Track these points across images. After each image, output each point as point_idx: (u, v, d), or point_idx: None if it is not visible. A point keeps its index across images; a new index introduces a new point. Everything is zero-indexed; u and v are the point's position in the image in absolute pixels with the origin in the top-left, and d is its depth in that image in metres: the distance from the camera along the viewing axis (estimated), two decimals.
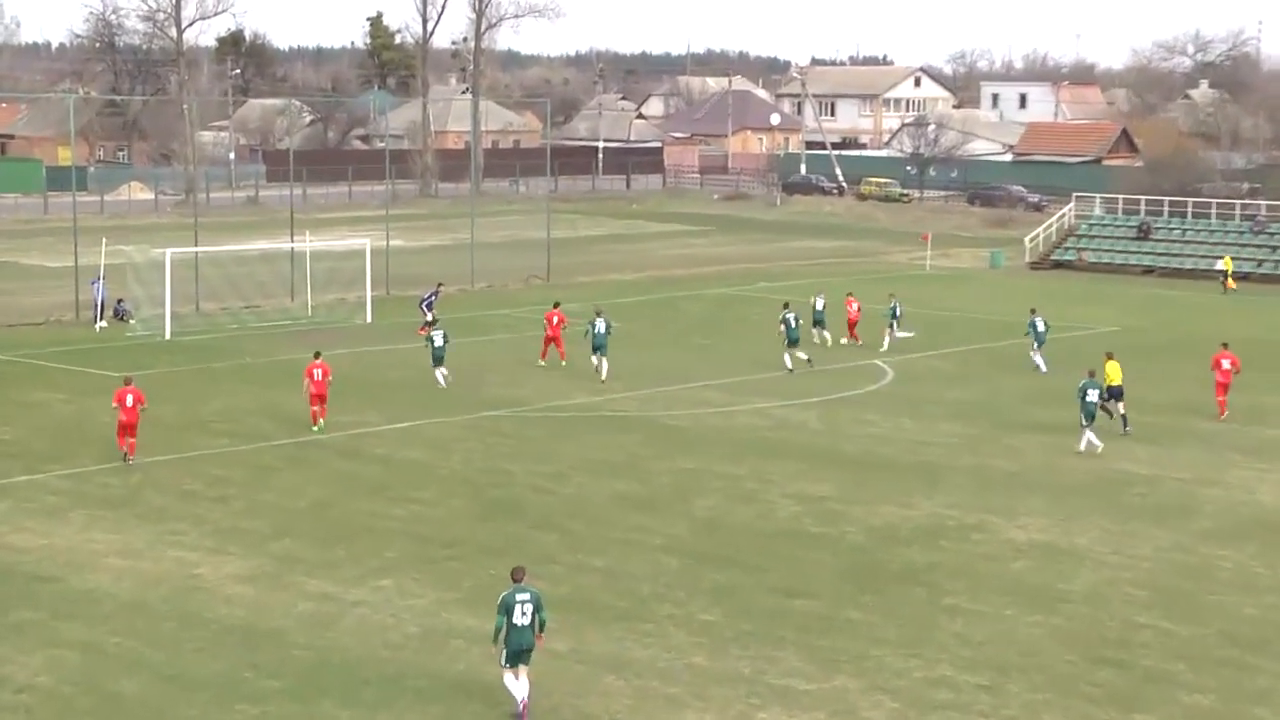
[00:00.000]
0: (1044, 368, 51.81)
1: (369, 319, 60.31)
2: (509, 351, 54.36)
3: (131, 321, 58.98)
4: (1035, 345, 52.42)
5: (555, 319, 51.48)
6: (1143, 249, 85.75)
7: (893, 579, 29.60)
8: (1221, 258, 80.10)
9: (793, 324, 51.08)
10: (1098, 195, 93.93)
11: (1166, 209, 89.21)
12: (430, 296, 58.97)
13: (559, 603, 27.65)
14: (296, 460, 38.29)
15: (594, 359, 49.17)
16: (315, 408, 41.41)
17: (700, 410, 45.24)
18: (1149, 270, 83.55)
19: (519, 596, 22.93)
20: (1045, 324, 52.79)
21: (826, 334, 56.64)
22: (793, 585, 29.02)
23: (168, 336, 55.90)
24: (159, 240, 70.24)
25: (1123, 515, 34.31)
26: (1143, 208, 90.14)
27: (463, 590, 27.97)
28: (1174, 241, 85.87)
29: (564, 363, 51.06)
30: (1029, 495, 35.87)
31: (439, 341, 47.67)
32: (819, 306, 57.04)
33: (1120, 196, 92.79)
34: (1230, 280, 77.37)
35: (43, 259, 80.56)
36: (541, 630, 23.14)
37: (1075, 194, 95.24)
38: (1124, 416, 42.67)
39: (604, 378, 48.61)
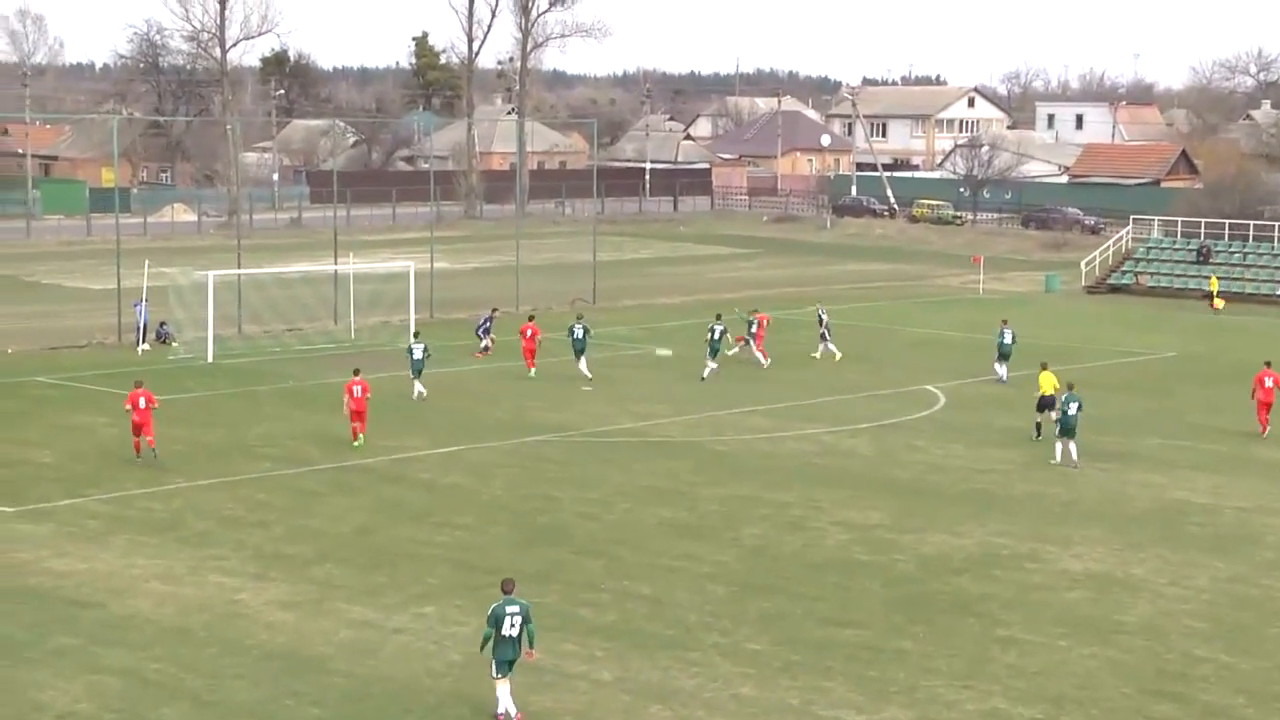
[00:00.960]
0: (1004, 378, 53.32)
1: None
2: (553, 376, 53.98)
3: (174, 344, 58.86)
4: (998, 357, 54.00)
5: (530, 331, 53.77)
6: (1203, 273, 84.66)
7: (944, 609, 29.10)
8: (1209, 278, 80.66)
9: (717, 335, 53.75)
10: (1156, 218, 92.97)
11: (1227, 232, 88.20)
12: (486, 322, 58.74)
13: (604, 630, 27.38)
14: (339, 485, 38.03)
15: (580, 364, 52.82)
16: (355, 424, 42.06)
17: (748, 436, 44.77)
18: (1209, 295, 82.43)
19: (509, 609, 23.11)
20: (1013, 337, 54.34)
21: (833, 348, 58.20)
22: (842, 615, 28.58)
23: (210, 359, 55.80)
24: (202, 262, 70.21)
25: (1181, 545, 33.69)
26: (1203, 231, 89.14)
27: None
28: (1235, 265, 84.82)
29: (532, 373, 53.08)
30: (1085, 524, 35.25)
31: (418, 355, 48.93)
32: (824, 320, 59.05)
33: (1179, 219, 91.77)
34: (1217, 300, 77.71)
35: (86, 281, 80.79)
36: (531, 644, 23.33)
37: (1133, 216, 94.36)
38: (1038, 425, 44.38)
39: (589, 376, 52.32)
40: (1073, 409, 41.14)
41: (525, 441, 43.33)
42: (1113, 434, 45.57)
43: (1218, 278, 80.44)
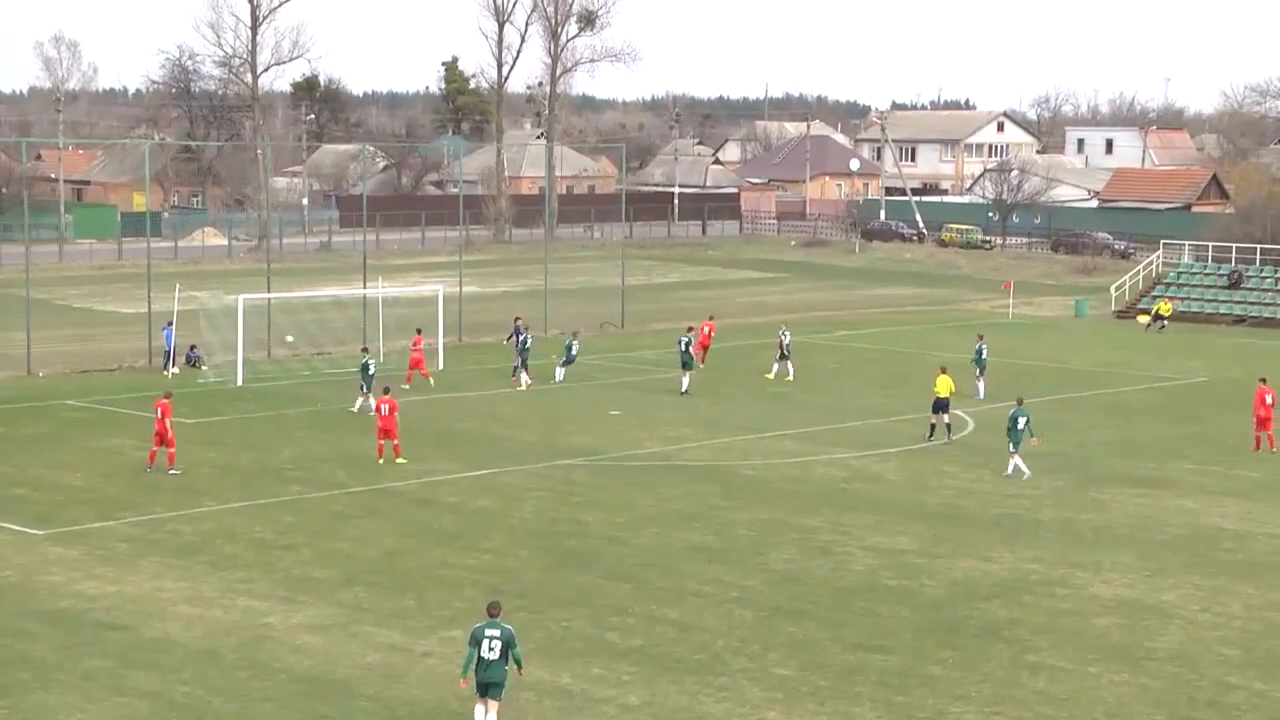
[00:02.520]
0: (980, 394, 54.62)
1: (441, 366, 60.10)
2: (582, 400, 54.07)
3: (204, 368, 59.03)
4: (977, 372, 55.35)
5: (420, 343, 56.79)
6: (1233, 298, 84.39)
7: (973, 634, 28.97)
8: (1160, 299, 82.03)
9: (684, 347, 56.30)
10: (1186, 243, 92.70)
11: (1258, 257, 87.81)
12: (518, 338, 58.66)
13: (632, 654, 27.31)
14: (368, 508, 38.07)
15: (519, 373, 56.20)
16: (382, 441, 43.06)
17: (776, 460, 44.71)
18: (1240, 320, 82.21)
19: (488, 631, 23.26)
20: (986, 351, 56.13)
21: (790, 364, 59.32)
22: (870, 640, 28.47)
23: (240, 383, 55.94)
24: (232, 286, 70.57)
25: (1212, 571, 33.49)
26: (1234, 256, 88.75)
27: (534, 641, 27.48)
28: (1266, 291, 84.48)
29: (432, 381, 55.62)
30: (1115, 550, 35.07)
31: (372, 370, 50.54)
32: (786, 339, 59.98)
33: (1210, 244, 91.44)
34: (1142, 317, 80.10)
35: (117, 305, 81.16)
36: (519, 666, 23.55)
37: (1163, 241, 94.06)
38: (948, 426, 47.19)
39: (526, 385, 55.65)
40: (1020, 423, 42.32)
41: (554, 465, 43.33)
42: (1144, 459, 45.43)
43: (1167, 300, 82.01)
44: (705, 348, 61.98)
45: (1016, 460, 42.33)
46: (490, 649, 23.06)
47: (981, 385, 55.00)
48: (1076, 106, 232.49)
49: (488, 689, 23.21)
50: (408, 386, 54.57)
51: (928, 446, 46.81)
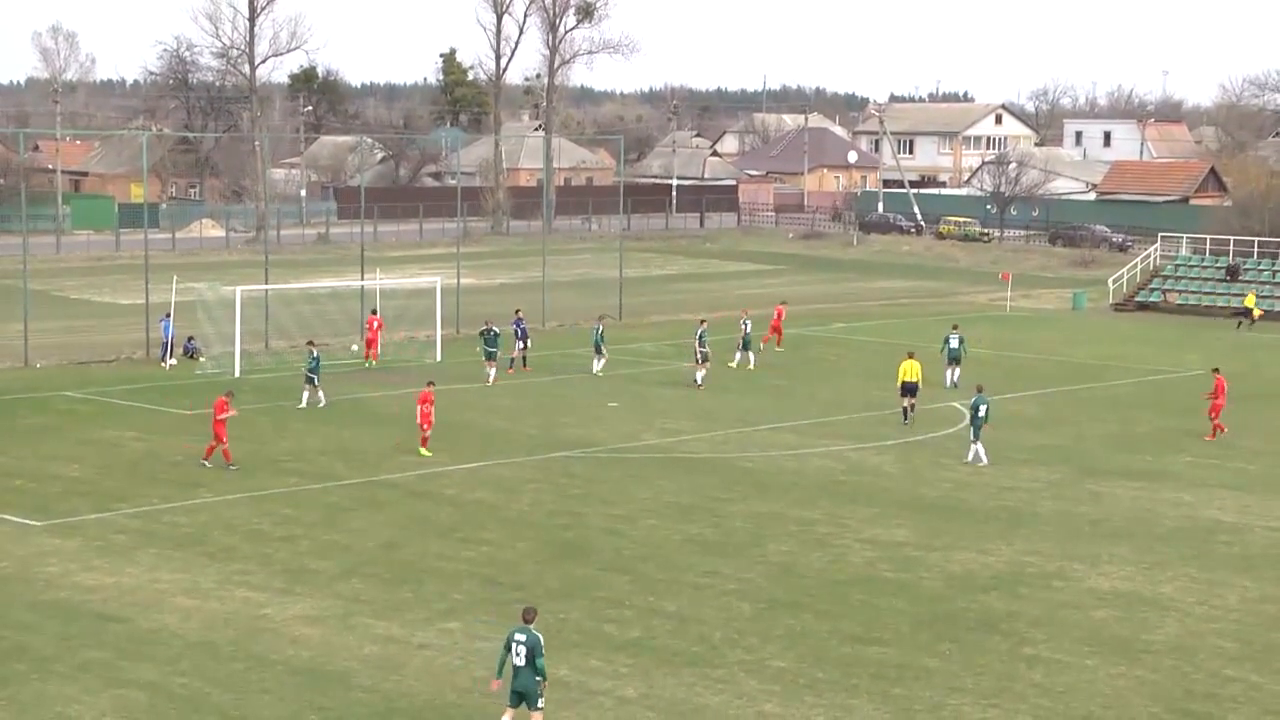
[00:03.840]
0: (949, 384, 55.22)
1: (439, 358, 60.11)
2: (580, 392, 54.04)
3: (201, 359, 58.99)
4: (947, 361, 55.98)
5: (375, 323, 58.90)
6: (1231, 291, 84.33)
7: (971, 627, 29.00)
8: (1246, 294, 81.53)
9: (700, 340, 56.22)
10: (1184, 235, 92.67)
11: (1256, 250, 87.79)
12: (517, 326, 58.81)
13: (629, 646, 27.36)
14: (365, 500, 38.07)
15: (488, 367, 55.95)
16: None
17: (774, 452, 44.71)
18: (1238, 313, 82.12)
19: (517, 636, 22.96)
20: (959, 341, 56.75)
21: (751, 354, 60.33)
22: (868, 633, 28.50)
23: (237, 374, 55.87)
24: (230, 277, 70.57)
25: (1210, 564, 33.53)
26: (1231, 248, 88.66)
27: None
28: (1264, 283, 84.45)
29: (371, 363, 57.67)
30: (1112, 542, 35.10)
31: (317, 364, 50.57)
32: (747, 329, 60.64)
33: (1208, 237, 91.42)
34: (1255, 310, 79.42)
35: (114, 296, 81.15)
36: (543, 679, 22.90)
37: (1161, 234, 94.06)
38: (911, 408, 48.35)
39: (490, 382, 55.19)
40: (981, 411, 42.97)
41: (552, 457, 43.33)
42: (1141, 452, 45.46)
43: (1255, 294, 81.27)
44: (777, 330, 64.06)
45: (977, 447, 43.04)
46: (518, 655, 22.77)
47: (952, 373, 55.43)
48: (1075, 99, 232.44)
49: (521, 698, 22.85)
50: (370, 364, 56.34)
51: (925, 439, 46.83)
